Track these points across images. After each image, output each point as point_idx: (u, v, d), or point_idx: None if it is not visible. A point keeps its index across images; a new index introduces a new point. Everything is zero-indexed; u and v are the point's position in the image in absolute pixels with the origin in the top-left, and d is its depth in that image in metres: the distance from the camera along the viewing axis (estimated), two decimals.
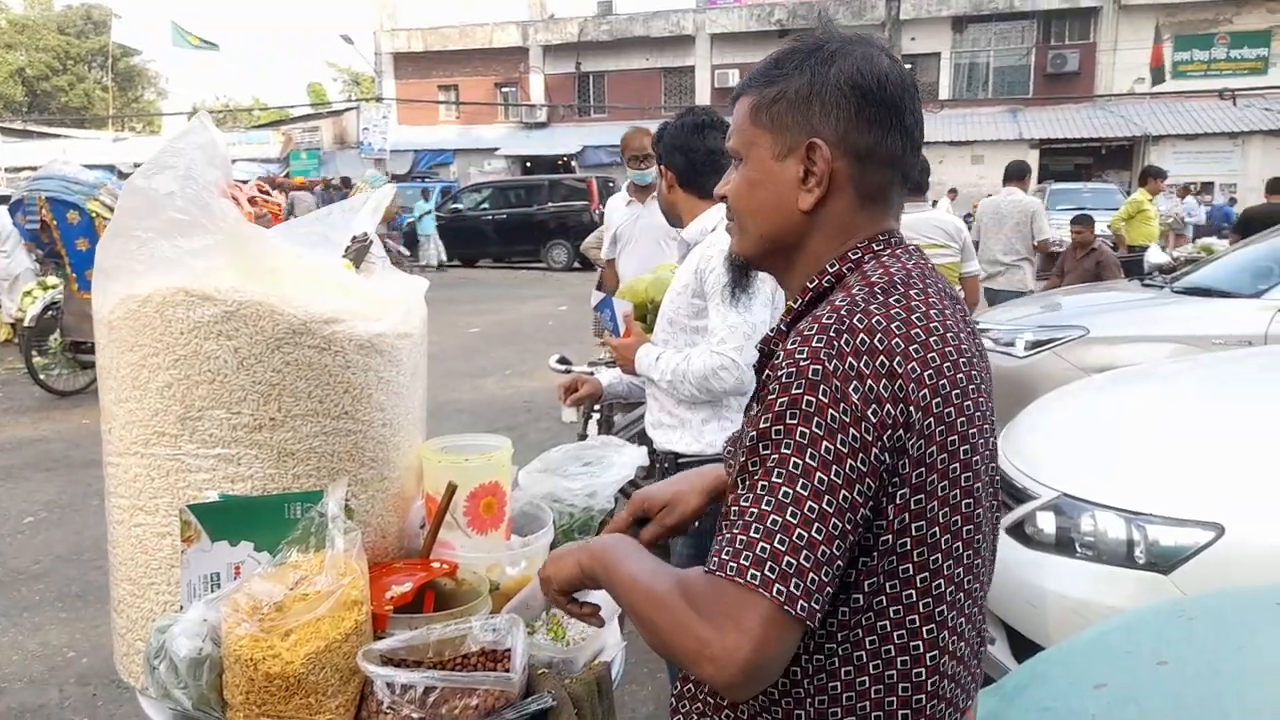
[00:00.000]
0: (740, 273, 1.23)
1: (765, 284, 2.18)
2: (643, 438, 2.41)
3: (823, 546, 0.88)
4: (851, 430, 0.90)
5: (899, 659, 0.98)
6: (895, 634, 0.98)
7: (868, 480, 0.90)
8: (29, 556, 4.55)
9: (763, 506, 0.89)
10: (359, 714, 1.20)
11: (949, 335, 0.99)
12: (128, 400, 1.28)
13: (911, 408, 0.93)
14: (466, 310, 13.46)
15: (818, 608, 0.89)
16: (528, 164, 27.90)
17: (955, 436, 0.97)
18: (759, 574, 0.87)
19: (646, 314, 3.58)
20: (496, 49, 29.52)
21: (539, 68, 29.32)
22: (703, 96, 26.87)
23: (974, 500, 1.00)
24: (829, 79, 1.03)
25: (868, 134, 1.03)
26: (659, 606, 0.93)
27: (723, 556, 0.90)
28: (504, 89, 30.22)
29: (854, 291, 0.99)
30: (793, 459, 0.89)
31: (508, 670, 1.22)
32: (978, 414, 1.01)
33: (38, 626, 3.80)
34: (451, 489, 1.42)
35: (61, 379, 8.09)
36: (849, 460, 0.89)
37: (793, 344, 0.95)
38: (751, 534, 0.89)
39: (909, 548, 0.96)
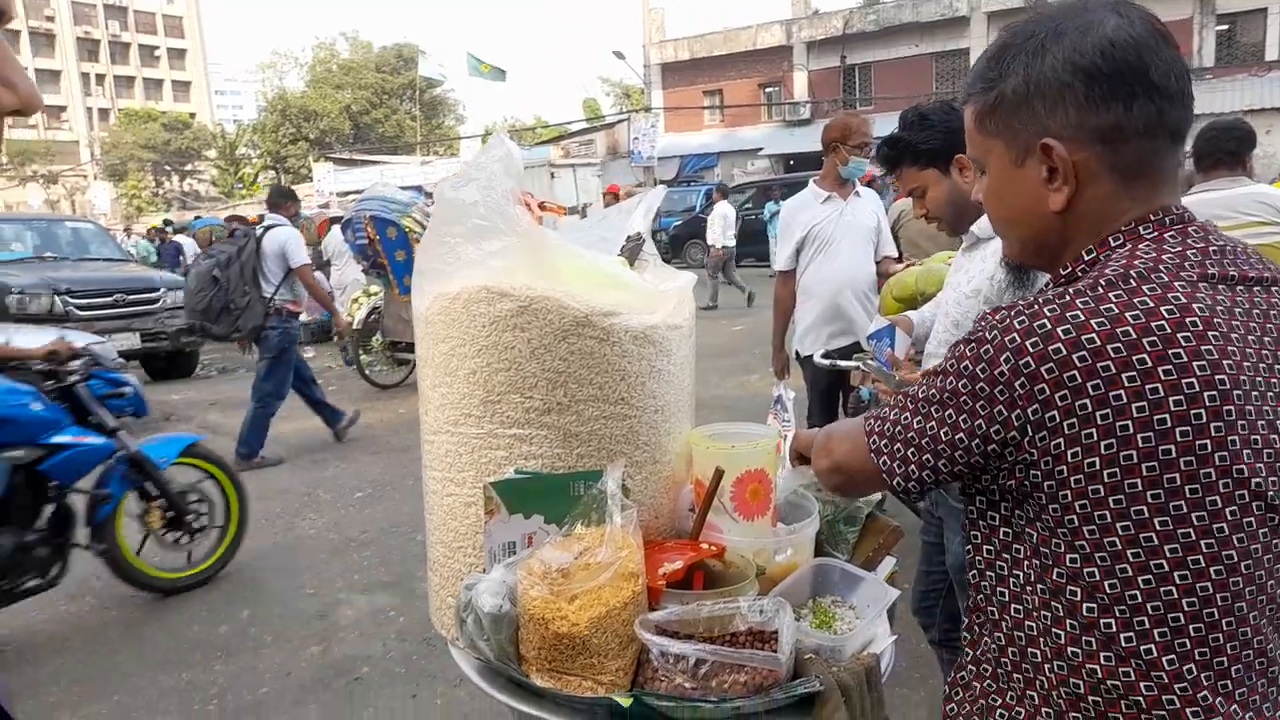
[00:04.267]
0: (1017, 273, 1.26)
1: None
2: None
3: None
4: (982, 385, 0.96)
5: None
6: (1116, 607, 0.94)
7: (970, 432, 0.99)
8: (358, 527, 5.26)
9: (904, 402, 1.07)
10: (636, 678, 1.29)
11: (1193, 332, 0.91)
12: (440, 385, 1.47)
13: (1086, 399, 0.91)
14: (732, 310, 13.67)
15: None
16: (791, 162, 27.78)
17: (1187, 428, 0.90)
18: (875, 437, 1.11)
19: (917, 305, 3.46)
20: (760, 50, 29.69)
21: (803, 65, 29.11)
22: None
23: (1239, 509, 0.92)
24: (1044, 71, 0.98)
25: (1107, 112, 0.96)
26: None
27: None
28: (767, 89, 30.35)
29: (1080, 285, 0.96)
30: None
31: (775, 651, 1.25)
32: (1254, 419, 0.92)
33: (366, 587, 4.38)
34: (719, 474, 1.47)
35: (382, 374, 9.27)
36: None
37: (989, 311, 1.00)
38: (890, 413, 1.10)
39: (1110, 520, 0.93)
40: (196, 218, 17.75)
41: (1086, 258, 1.01)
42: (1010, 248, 1.13)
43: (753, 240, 19.39)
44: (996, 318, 0.97)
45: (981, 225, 2.21)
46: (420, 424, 1.57)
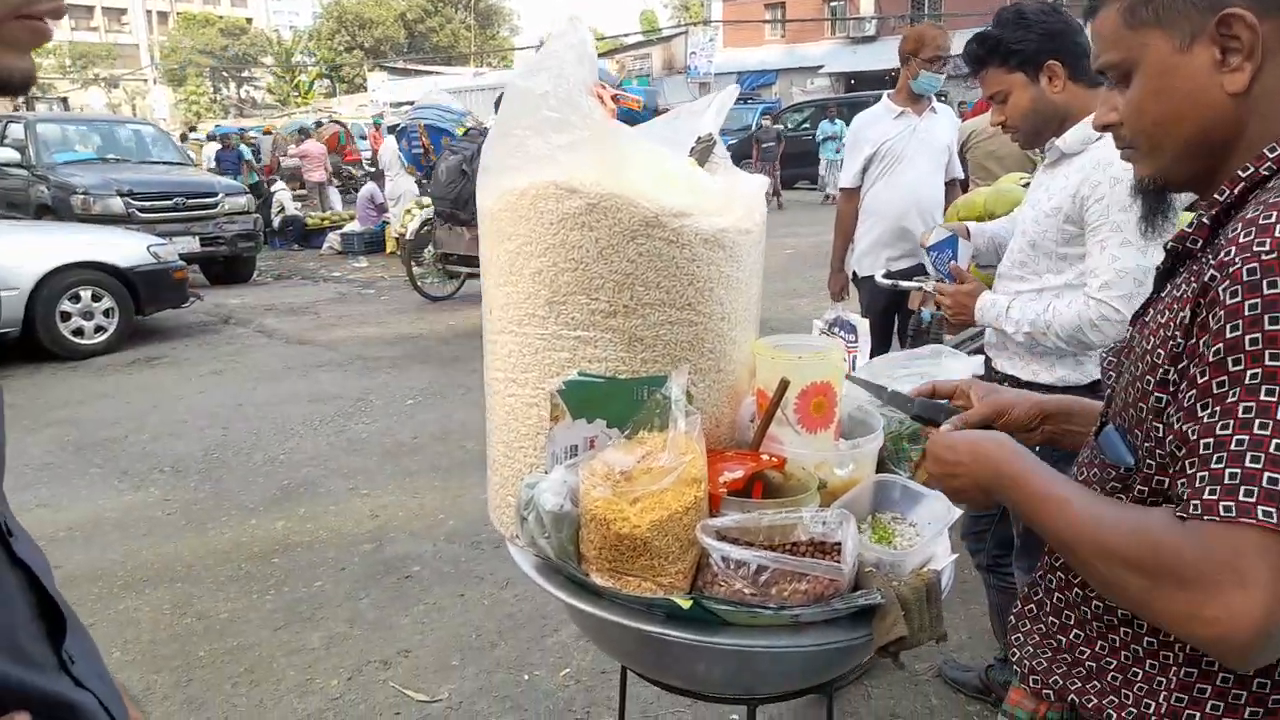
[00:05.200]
0: (1155, 200, 1.10)
1: (1167, 224, 1.94)
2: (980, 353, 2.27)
3: None
4: None
5: None
6: None
7: None
8: (409, 432, 5.36)
9: (1256, 431, 0.77)
10: (694, 582, 1.29)
11: None
12: (505, 285, 1.44)
13: None
14: (782, 231, 13.44)
15: None
16: (852, 81, 26.89)
17: None
18: (1272, 510, 0.75)
19: None
20: None
21: None
22: None
23: None
24: None
25: None
26: (1119, 563, 0.85)
27: (1207, 497, 0.79)
28: (832, 3, 29.19)
29: None
30: None
31: (838, 561, 1.24)
32: None
33: (416, 491, 4.48)
34: (784, 384, 1.44)
35: (434, 286, 9.32)
36: None
37: (1246, 236, 0.81)
38: (1248, 464, 0.77)
39: None
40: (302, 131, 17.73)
41: (1272, 155, 0.89)
42: (1159, 160, 0.99)
43: (802, 162, 18.91)
44: (1278, 236, 0.79)
45: (1067, 140, 2.09)
46: (483, 323, 1.55)
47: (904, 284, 3.47)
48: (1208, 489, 0.79)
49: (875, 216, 4.11)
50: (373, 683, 2.93)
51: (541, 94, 1.34)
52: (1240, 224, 0.84)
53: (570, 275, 1.37)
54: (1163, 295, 0.97)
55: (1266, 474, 0.76)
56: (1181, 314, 0.86)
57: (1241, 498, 0.76)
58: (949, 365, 1.68)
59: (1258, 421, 0.77)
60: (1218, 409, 0.80)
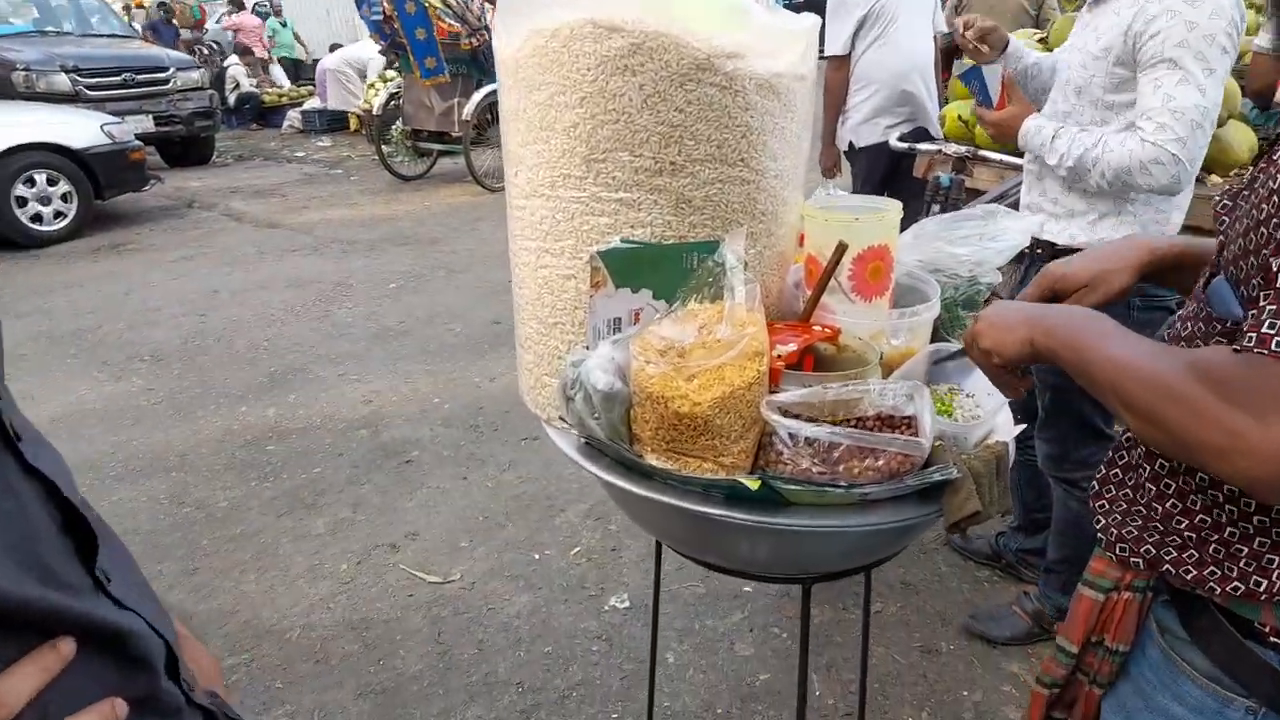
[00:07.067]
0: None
1: (1226, 59, 1.79)
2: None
3: None
4: None
5: None
6: None
7: None
8: (395, 317, 5.22)
9: None
10: (756, 461, 1.20)
11: None
12: (534, 143, 1.29)
13: None
14: None
15: None
16: None
17: None
18: None
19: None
20: None
21: None
22: None
23: None
24: None
25: None
26: (1166, 394, 0.79)
27: (1265, 331, 0.74)
28: None
29: None
30: None
31: (915, 436, 1.16)
32: None
33: (408, 376, 4.38)
34: (841, 248, 1.33)
35: (404, 165, 8.94)
36: None
37: None
38: None
39: None
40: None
41: None
42: None
43: None
44: None
45: None
46: (507, 190, 1.41)
47: (921, 146, 3.31)
48: (1266, 323, 0.75)
49: (872, 83, 3.92)
50: (383, 565, 2.90)
51: None
52: None
53: (611, 129, 1.22)
54: None
55: None
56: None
57: None
58: (1005, 225, 1.56)
59: None
60: None
